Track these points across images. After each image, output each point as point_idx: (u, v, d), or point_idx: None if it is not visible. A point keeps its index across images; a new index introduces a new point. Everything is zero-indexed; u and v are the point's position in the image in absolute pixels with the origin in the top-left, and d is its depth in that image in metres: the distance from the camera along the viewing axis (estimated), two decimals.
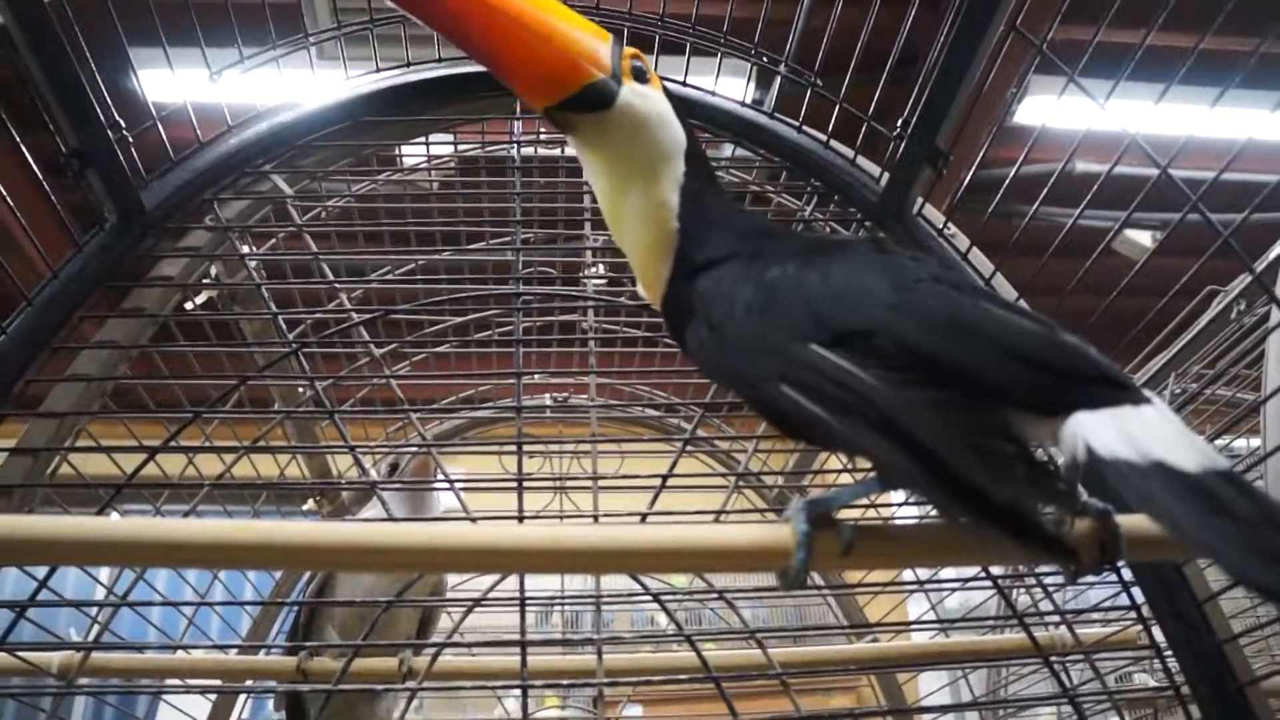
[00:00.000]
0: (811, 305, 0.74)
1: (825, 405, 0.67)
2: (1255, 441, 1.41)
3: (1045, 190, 1.21)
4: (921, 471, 0.63)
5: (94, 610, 1.56)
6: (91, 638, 1.44)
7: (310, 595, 1.72)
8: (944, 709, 1.90)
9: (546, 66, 0.85)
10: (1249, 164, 1.40)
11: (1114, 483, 0.60)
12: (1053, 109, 3.51)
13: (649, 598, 1.22)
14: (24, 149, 1.19)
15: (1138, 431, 0.61)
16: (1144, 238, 3.40)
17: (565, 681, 1.53)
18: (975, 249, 1.30)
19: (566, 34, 0.85)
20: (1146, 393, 0.66)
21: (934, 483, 0.62)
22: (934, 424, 0.63)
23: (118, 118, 1.25)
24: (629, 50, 0.88)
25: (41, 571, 1.26)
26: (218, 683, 1.57)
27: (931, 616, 1.87)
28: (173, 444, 1.27)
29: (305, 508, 2.31)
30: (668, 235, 0.87)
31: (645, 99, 0.88)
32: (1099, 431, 0.62)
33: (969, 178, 1.35)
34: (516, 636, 1.11)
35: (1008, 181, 1.28)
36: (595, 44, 0.87)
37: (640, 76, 0.88)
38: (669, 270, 0.88)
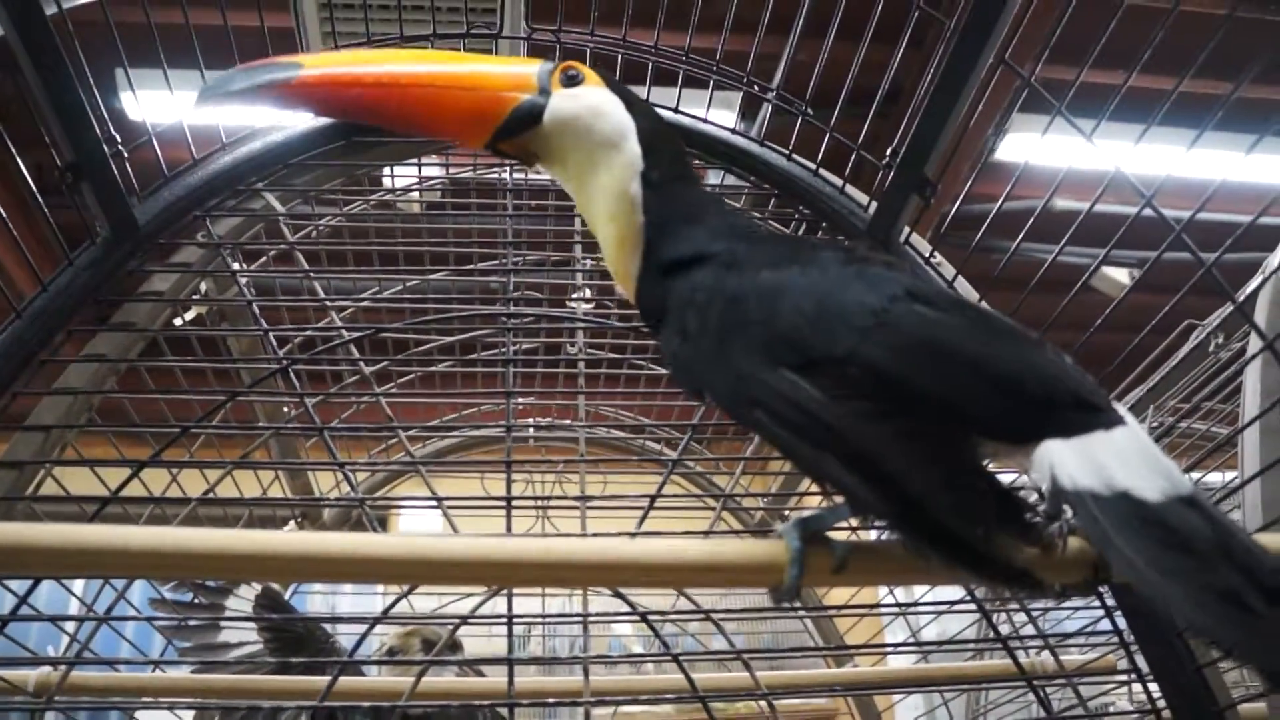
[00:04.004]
0: (785, 326, 0.72)
1: (797, 434, 0.67)
2: (1230, 475, 1.43)
3: (1027, 226, 1.23)
4: (891, 508, 0.63)
5: (70, 626, 1.54)
6: (71, 655, 1.43)
7: None
8: None
9: (466, 109, 0.88)
10: (1223, 204, 1.44)
11: (1077, 518, 0.60)
12: (1034, 146, 3.57)
13: (630, 621, 1.22)
14: (20, 164, 1.19)
15: (1107, 459, 0.61)
16: (1121, 275, 3.46)
17: (551, 700, 1.52)
18: (960, 278, 1.32)
19: (480, 75, 0.88)
20: (1121, 412, 0.66)
21: (903, 519, 0.63)
22: (906, 459, 0.63)
23: (113, 133, 1.26)
24: (563, 64, 0.89)
25: (18, 586, 1.25)
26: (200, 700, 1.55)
27: (911, 643, 1.87)
28: (158, 460, 1.27)
29: (286, 529, 2.30)
30: (634, 228, 0.86)
31: (574, 98, 0.88)
32: (1066, 462, 0.62)
33: (952, 212, 1.38)
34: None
35: (990, 217, 1.31)
36: (521, 73, 0.89)
37: (573, 82, 0.89)
38: (638, 265, 0.86)
